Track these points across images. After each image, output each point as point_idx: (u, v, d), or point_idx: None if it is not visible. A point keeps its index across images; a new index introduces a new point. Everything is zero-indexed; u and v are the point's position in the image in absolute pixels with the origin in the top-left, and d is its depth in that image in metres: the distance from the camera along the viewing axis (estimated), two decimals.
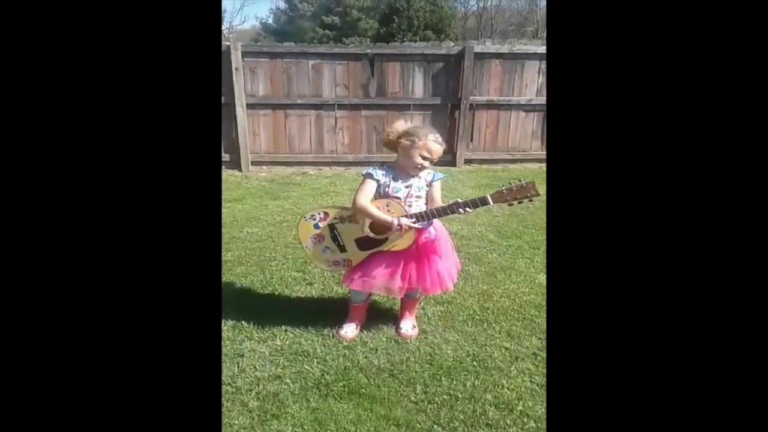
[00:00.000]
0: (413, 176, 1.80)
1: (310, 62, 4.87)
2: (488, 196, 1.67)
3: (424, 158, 1.72)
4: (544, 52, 4.97)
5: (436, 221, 1.86)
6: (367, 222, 1.80)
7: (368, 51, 5.01)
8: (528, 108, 5.15)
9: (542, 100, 5.09)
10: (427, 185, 1.82)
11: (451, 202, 1.70)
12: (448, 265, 1.87)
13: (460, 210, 1.67)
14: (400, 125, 1.78)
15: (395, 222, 1.70)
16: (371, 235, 1.80)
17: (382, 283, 1.82)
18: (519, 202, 1.68)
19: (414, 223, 1.72)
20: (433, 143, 1.71)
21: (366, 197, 1.77)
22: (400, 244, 1.77)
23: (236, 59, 4.66)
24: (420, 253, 1.81)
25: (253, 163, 5.06)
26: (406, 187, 1.79)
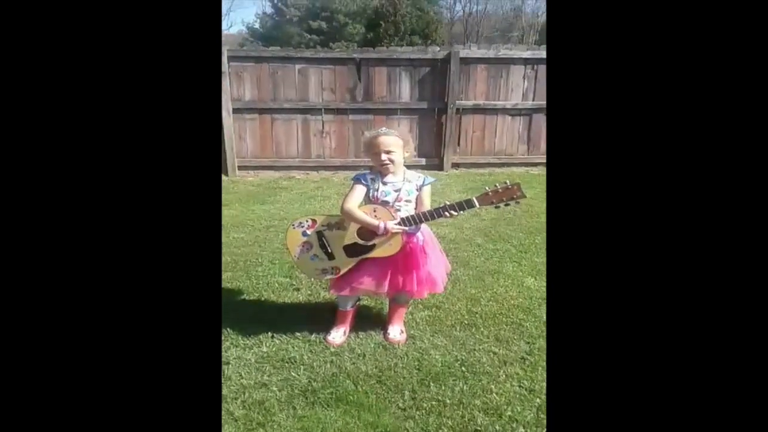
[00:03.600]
0: (403, 180, 1.80)
1: (297, 66, 4.85)
2: (474, 198, 1.68)
3: (375, 154, 1.75)
4: (529, 56, 5.04)
5: (423, 226, 1.85)
6: (355, 227, 1.78)
7: (355, 55, 5.02)
8: (514, 112, 5.20)
9: (528, 104, 5.16)
10: (417, 189, 1.82)
11: (437, 206, 1.70)
12: (436, 266, 1.87)
13: (446, 213, 1.67)
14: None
15: (381, 226, 1.69)
16: (359, 241, 1.78)
17: (369, 288, 1.81)
18: (505, 204, 1.69)
19: (400, 227, 1.72)
20: (383, 137, 1.75)
21: (354, 202, 1.76)
22: (388, 250, 1.76)
23: (222, 64, 4.62)
24: (407, 258, 1.80)
25: (240, 168, 5.01)
26: (395, 191, 1.78)
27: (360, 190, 1.79)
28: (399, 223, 1.71)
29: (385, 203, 1.77)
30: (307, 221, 1.85)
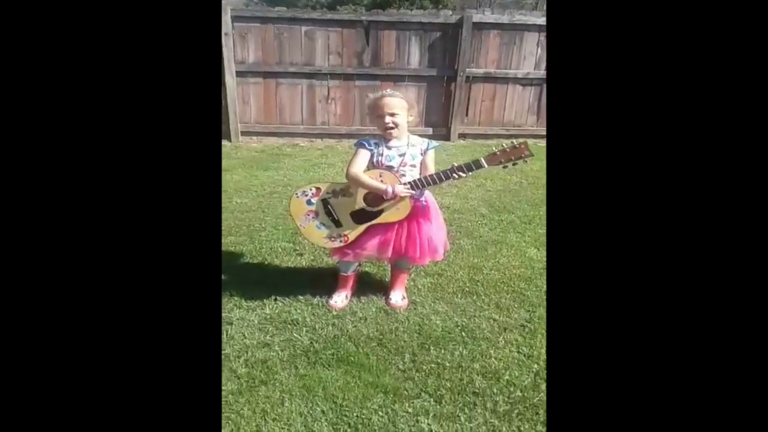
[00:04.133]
0: (407, 144, 1.76)
1: (303, 29, 4.70)
2: (482, 159, 1.66)
3: (379, 116, 1.71)
4: (544, 23, 4.84)
5: (427, 192, 1.83)
6: (361, 193, 1.76)
7: (363, 18, 4.84)
8: (525, 82, 5.06)
9: (540, 74, 5.00)
10: (421, 154, 1.78)
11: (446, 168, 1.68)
12: (437, 233, 1.86)
13: (455, 174, 1.65)
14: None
15: (389, 189, 1.67)
16: (366, 207, 1.76)
17: (372, 253, 1.81)
18: (513, 164, 1.67)
19: (409, 190, 1.70)
20: (387, 98, 1.70)
21: (359, 167, 1.73)
22: (396, 214, 1.74)
23: (226, 24, 4.48)
24: (411, 223, 1.79)
25: (243, 134, 4.95)
26: (400, 155, 1.75)
27: (364, 155, 1.75)
28: (408, 186, 1.69)
29: (389, 168, 1.74)
30: (311, 189, 1.82)
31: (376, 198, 1.74)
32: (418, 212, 1.80)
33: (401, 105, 1.71)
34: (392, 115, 1.69)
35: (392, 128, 1.71)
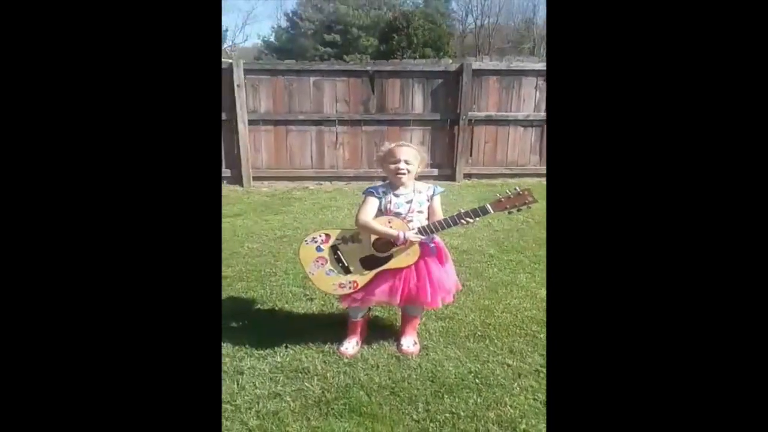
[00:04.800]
0: (413, 191, 1.81)
1: (312, 79, 4.94)
2: (488, 205, 1.70)
3: (392, 162, 1.77)
4: (541, 68, 5.05)
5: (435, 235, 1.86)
6: (371, 239, 1.80)
7: (368, 68, 5.09)
8: (526, 123, 5.20)
9: (539, 115, 5.15)
10: (428, 200, 1.83)
11: (451, 214, 1.72)
12: (449, 275, 1.88)
13: (462, 221, 1.69)
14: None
15: (401, 235, 1.71)
16: (375, 253, 1.79)
17: (382, 298, 1.82)
18: (518, 210, 1.71)
19: (419, 236, 1.73)
20: (405, 147, 1.79)
21: (368, 214, 1.78)
22: (406, 260, 1.76)
23: (238, 76, 4.73)
24: (420, 266, 1.81)
25: (254, 179, 5.09)
26: (407, 202, 1.80)
27: (373, 203, 1.80)
28: (418, 232, 1.73)
29: (398, 215, 1.79)
30: (320, 236, 1.85)
31: (385, 244, 1.78)
32: (428, 256, 1.82)
33: (414, 155, 1.79)
34: (406, 162, 1.76)
35: (404, 173, 1.76)
